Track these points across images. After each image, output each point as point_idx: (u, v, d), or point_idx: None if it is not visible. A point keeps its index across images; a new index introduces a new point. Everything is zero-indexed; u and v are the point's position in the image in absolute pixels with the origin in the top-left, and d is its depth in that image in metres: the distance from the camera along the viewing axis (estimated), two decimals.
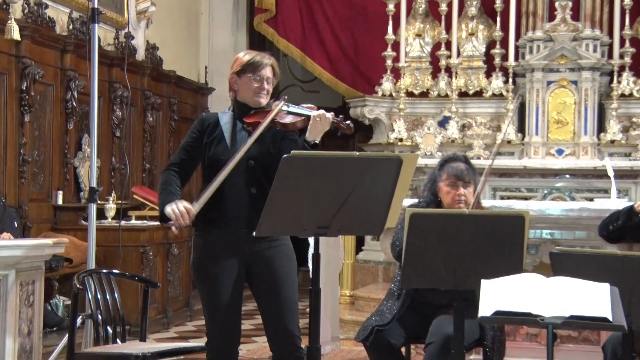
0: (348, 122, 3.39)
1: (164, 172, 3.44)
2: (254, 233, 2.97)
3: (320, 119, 3.29)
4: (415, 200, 3.95)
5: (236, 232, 3.29)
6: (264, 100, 3.40)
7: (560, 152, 7.93)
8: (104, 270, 3.91)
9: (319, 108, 3.37)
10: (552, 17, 8.11)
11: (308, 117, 3.32)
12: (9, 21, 5.45)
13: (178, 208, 3.21)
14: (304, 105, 3.43)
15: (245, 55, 3.44)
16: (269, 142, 3.34)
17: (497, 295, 2.73)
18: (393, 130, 8.28)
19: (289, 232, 3.09)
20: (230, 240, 3.31)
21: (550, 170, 7.79)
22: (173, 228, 3.24)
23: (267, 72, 3.40)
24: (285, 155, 2.79)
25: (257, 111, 3.38)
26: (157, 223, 6.79)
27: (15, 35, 5.44)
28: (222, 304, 3.29)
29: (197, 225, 3.35)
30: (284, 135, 3.36)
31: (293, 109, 3.37)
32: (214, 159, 3.33)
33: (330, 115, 3.33)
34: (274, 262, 3.35)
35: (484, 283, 2.77)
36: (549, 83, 7.95)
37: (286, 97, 3.41)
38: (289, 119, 3.33)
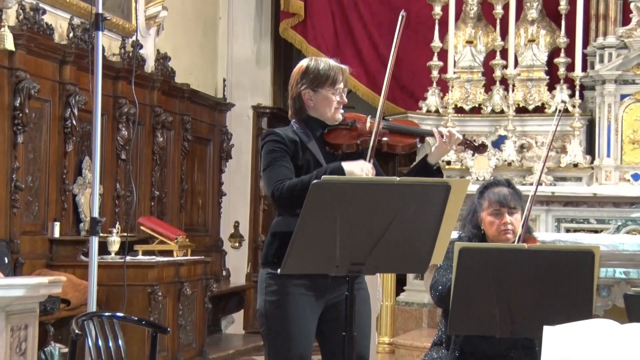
0: (481, 141, 3.43)
1: (282, 186, 3.31)
2: (279, 270, 2.98)
3: (449, 138, 3.33)
4: (455, 235, 3.93)
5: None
6: (341, 116, 3.46)
7: (636, 177, 7.86)
8: (107, 314, 3.93)
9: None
10: (626, 21, 8.07)
11: (422, 136, 3.38)
12: (2, 29, 5.55)
13: (367, 168, 3.21)
14: (394, 119, 3.46)
15: (317, 65, 3.48)
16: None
17: (562, 344, 2.71)
18: None
19: (319, 270, 3.08)
20: (310, 283, 3.35)
21: (624, 199, 7.71)
22: None
23: (343, 83, 3.47)
24: (315, 181, 2.80)
25: (334, 129, 3.44)
26: (167, 259, 6.83)
27: (9, 44, 5.53)
28: None
29: (276, 264, 3.31)
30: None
31: (394, 126, 3.43)
32: None
33: (457, 132, 3.38)
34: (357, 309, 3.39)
35: (547, 330, 2.75)
36: (622, 97, 7.90)
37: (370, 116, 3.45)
38: (398, 139, 3.38)
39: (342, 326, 3.29)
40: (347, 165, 3.24)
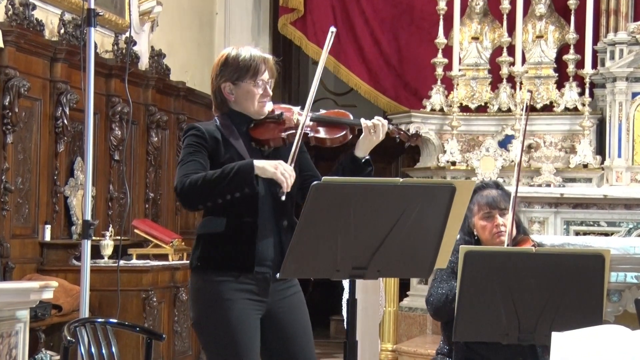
0: (412, 129, 3.37)
1: (185, 181, 3.21)
2: (278, 275, 2.98)
3: (374, 129, 3.26)
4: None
5: (264, 276, 3.29)
6: (267, 109, 3.37)
7: None
8: (100, 320, 3.93)
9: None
10: (638, 16, 8.08)
11: (352, 127, 3.29)
12: None
13: (283, 167, 3.08)
14: (327, 111, 3.41)
15: (238, 55, 3.38)
16: (302, 160, 3.36)
17: (571, 351, 2.71)
18: (444, 151, 8.27)
19: (320, 274, 3.07)
20: (254, 287, 3.30)
21: (635, 200, 7.71)
22: (283, 197, 3.10)
23: (267, 73, 3.37)
24: (315, 183, 2.79)
25: (261, 123, 3.35)
26: (162, 263, 6.84)
27: None
28: None
29: (207, 267, 3.32)
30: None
31: (323, 117, 3.33)
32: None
33: (385, 122, 3.30)
34: (292, 314, 3.37)
35: (555, 336, 2.75)
36: (634, 95, 7.91)
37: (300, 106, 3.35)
38: (328, 132, 3.30)
39: (280, 335, 3.31)
40: (259, 162, 3.12)
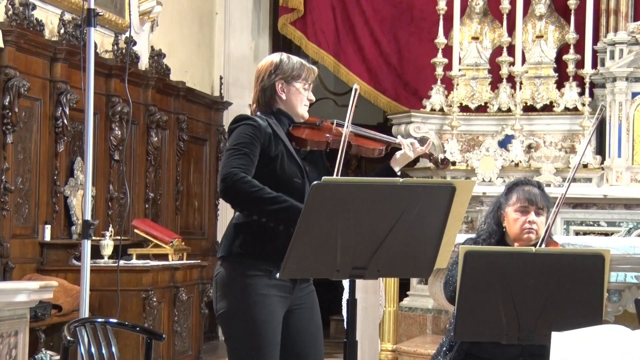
0: (444, 156, 3.61)
1: (240, 177, 3.23)
2: (277, 275, 2.99)
3: (412, 147, 3.49)
4: (468, 236, 3.95)
5: None
6: (307, 115, 3.53)
7: None
8: (100, 320, 3.93)
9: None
10: (638, 16, 8.09)
11: (388, 144, 3.50)
12: None
13: None
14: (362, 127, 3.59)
15: (291, 59, 3.53)
16: (321, 167, 3.48)
17: (571, 351, 2.71)
18: (444, 151, 8.28)
19: (320, 274, 3.08)
20: (284, 284, 3.35)
21: (635, 200, 7.72)
22: None
23: (312, 83, 3.56)
24: (315, 183, 2.81)
25: (299, 126, 3.49)
26: (162, 263, 6.84)
27: None
28: None
29: (249, 256, 3.34)
30: (319, 154, 3.50)
31: (363, 131, 3.52)
32: (285, 179, 3.35)
33: (417, 143, 3.53)
34: (308, 312, 3.44)
35: (555, 336, 2.75)
36: (634, 95, 7.91)
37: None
38: (367, 144, 3.48)
39: (294, 330, 3.38)
40: None
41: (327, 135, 3.46)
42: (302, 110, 3.51)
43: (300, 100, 3.49)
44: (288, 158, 3.38)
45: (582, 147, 7.88)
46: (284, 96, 3.48)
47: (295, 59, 3.54)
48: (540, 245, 3.60)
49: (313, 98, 3.54)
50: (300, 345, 3.43)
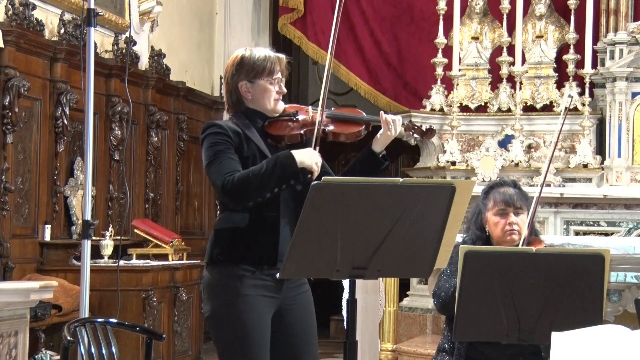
0: (429, 125, 3.47)
1: (231, 179, 3.25)
2: (278, 275, 2.99)
3: (393, 124, 3.35)
4: (460, 239, 3.94)
5: (274, 273, 3.31)
6: (281, 107, 3.44)
7: None
8: (100, 320, 3.93)
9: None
10: (638, 16, 8.08)
11: (367, 123, 3.37)
12: None
13: (317, 157, 3.21)
14: (338, 108, 3.49)
15: (253, 55, 3.44)
16: None
17: (571, 351, 2.71)
18: (444, 151, 8.27)
19: (320, 274, 3.08)
20: (269, 284, 3.33)
21: (635, 200, 7.71)
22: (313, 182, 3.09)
23: (280, 72, 3.45)
24: (315, 182, 2.80)
25: (275, 121, 3.41)
26: (162, 263, 6.84)
27: None
28: None
29: (229, 260, 3.34)
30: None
31: (339, 114, 3.42)
32: None
33: (399, 117, 3.39)
34: (300, 312, 3.40)
35: (555, 336, 2.75)
36: (634, 95, 7.91)
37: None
38: (344, 128, 3.37)
39: (287, 332, 3.35)
40: (297, 154, 3.21)
41: (302, 126, 3.37)
42: (272, 105, 3.42)
43: (268, 96, 3.40)
44: (261, 158, 3.33)
45: (580, 147, 7.88)
46: (249, 96, 3.42)
47: (258, 53, 3.44)
48: (522, 245, 3.60)
49: (284, 90, 3.44)
50: (292, 346, 3.40)
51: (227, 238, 3.36)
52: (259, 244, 3.30)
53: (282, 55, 3.48)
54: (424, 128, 3.46)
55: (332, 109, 3.48)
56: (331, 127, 3.37)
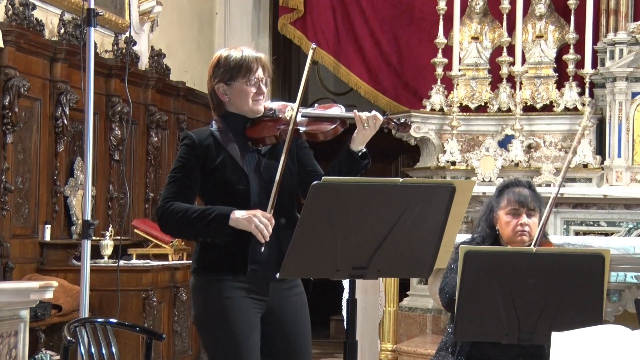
0: (404, 119, 3.41)
1: (167, 207, 3.27)
2: (277, 275, 2.98)
3: (368, 121, 3.26)
4: (469, 237, 3.95)
5: (262, 275, 3.30)
6: (262, 108, 3.39)
7: None
8: (100, 320, 3.93)
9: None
10: (638, 16, 8.08)
11: (342, 120, 3.29)
12: None
13: (258, 218, 3.12)
14: (319, 105, 3.44)
15: (229, 56, 3.40)
16: (288, 159, 3.30)
17: (571, 351, 2.71)
18: (444, 151, 8.28)
19: (320, 274, 3.08)
20: (253, 286, 3.32)
21: (635, 200, 7.72)
22: (262, 249, 3.13)
23: (260, 71, 3.39)
24: (315, 182, 2.80)
25: (257, 122, 3.37)
26: (162, 263, 6.84)
27: None
28: None
29: (205, 269, 3.35)
30: (297, 146, 3.37)
31: (314, 112, 3.35)
32: (227, 188, 3.30)
33: (376, 113, 3.29)
34: (293, 314, 3.39)
35: (555, 336, 2.75)
36: (634, 95, 7.91)
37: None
38: (318, 127, 3.31)
39: (280, 334, 3.35)
40: (235, 214, 3.16)
41: (279, 126, 3.31)
42: (251, 106, 3.37)
43: (245, 98, 3.36)
44: (232, 165, 3.30)
45: (579, 147, 7.88)
46: (226, 98, 3.40)
47: (235, 54, 3.39)
48: (533, 247, 3.60)
49: (264, 90, 3.37)
50: (285, 348, 3.39)
51: (203, 247, 3.37)
52: (230, 252, 3.28)
53: (260, 54, 3.42)
54: (399, 122, 3.37)
55: (316, 106, 3.43)
56: (305, 128, 3.30)
